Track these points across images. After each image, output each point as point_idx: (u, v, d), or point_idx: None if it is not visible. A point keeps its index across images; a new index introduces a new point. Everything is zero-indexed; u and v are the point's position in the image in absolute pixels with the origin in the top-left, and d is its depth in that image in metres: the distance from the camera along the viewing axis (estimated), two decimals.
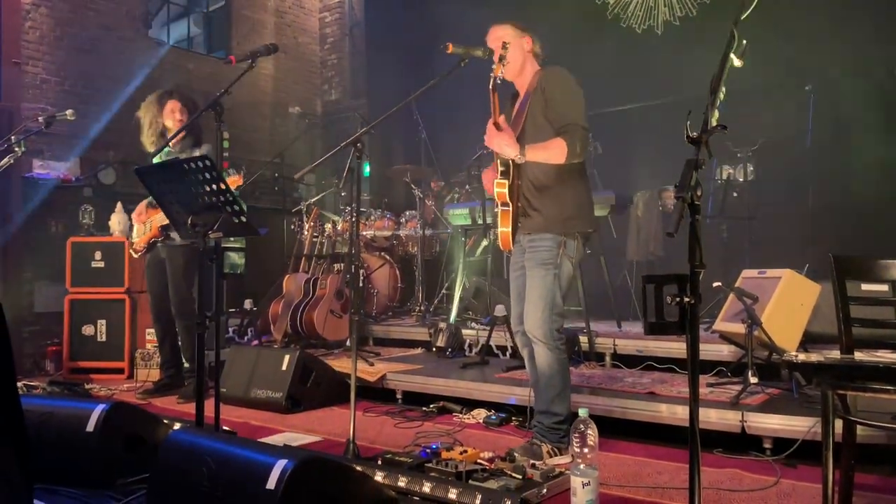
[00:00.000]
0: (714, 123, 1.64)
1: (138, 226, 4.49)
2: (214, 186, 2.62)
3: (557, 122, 2.89)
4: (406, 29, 7.34)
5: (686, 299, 1.58)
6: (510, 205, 2.96)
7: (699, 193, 1.57)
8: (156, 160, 3.78)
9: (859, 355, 2.33)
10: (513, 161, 2.90)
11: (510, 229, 2.99)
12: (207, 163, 2.57)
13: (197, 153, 4.09)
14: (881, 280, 2.90)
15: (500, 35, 2.99)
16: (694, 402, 1.59)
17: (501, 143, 2.81)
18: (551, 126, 2.90)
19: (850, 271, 2.36)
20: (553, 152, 2.82)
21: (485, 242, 5.54)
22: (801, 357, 2.05)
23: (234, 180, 3.94)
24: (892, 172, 4.79)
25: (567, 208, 2.97)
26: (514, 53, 2.96)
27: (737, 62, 1.75)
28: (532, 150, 2.81)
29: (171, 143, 4.20)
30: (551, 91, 2.90)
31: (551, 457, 2.90)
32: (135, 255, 4.58)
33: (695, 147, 1.62)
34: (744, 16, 1.85)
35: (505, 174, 2.92)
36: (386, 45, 7.82)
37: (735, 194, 5.01)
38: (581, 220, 3.01)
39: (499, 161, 2.93)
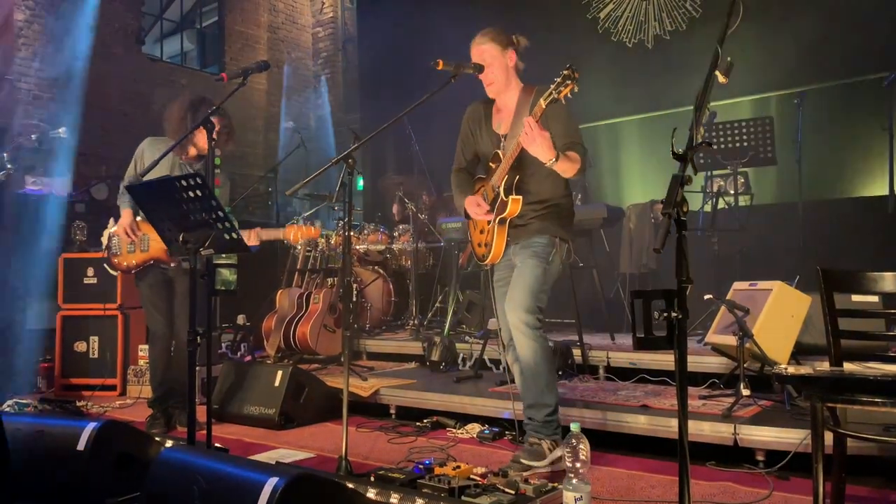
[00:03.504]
0: (699, 140, 1.66)
1: (124, 238, 4.03)
2: (206, 204, 2.62)
3: (562, 140, 2.92)
4: (398, 44, 7.39)
5: (674, 314, 1.59)
6: (507, 220, 2.98)
7: (685, 209, 1.59)
8: (161, 167, 3.62)
9: (851, 367, 2.35)
10: (517, 179, 2.93)
11: (504, 243, 3.02)
12: (199, 180, 2.58)
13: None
14: (870, 292, 2.92)
15: (482, 52, 3.01)
16: (683, 416, 1.59)
17: (543, 145, 2.72)
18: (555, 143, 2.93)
19: (837, 284, 2.37)
20: (575, 165, 2.86)
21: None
22: (791, 370, 2.07)
23: (308, 231, 3.93)
24: (880, 183, 4.83)
25: (563, 215, 3.07)
26: (496, 72, 3.01)
27: (721, 79, 1.78)
28: (563, 158, 2.79)
29: (182, 157, 3.97)
30: (555, 114, 2.91)
31: (552, 451, 2.91)
32: (113, 272, 4.17)
33: (680, 163, 1.64)
34: (728, 32, 1.88)
35: (511, 191, 2.93)
36: (378, 60, 7.88)
37: (726, 207, 5.04)
38: (570, 227, 3.14)
39: (507, 177, 2.93)
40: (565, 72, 2.60)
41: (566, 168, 2.84)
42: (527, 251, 3.00)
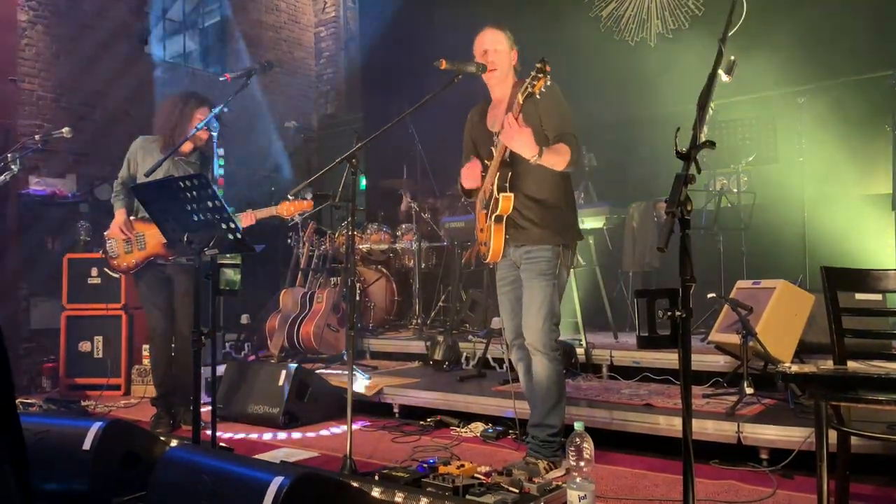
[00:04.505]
0: (703, 139, 1.66)
1: (120, 240, 4.06)
2: (210, 204, 2.63)
3: (554, 132, 2.92)
4: (401, 43, 7.39)
5: (677, 313, 1.59)
6: (503, 217, 2.98)
7: (689, 209, 1.59)
8: (160, 171, 3.68)
9: (854, 365, 2.35)
10: (511, 174, 2.92)
11: (502, 241, 3.01)
12: (203, 181, 2.59)
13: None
14: (874, 290, 2.92)
15: (495, 40, 3.02)
16: (687, 415, 1.60)
17: (522, 141, 2.72)
18: (547, 136, 2.92)
19: (841, 282, 2.37)
20: (563, 157, 2.83)
21: None
22: (795, 368, 2.07)
23: (300, 205, 3.91)
24: (884, 181, 4.82)
25: (563, 219, 3.03)
26: (501, 58, 3.01)
27: (725, 78, 1.78)
28: (548, 152, 2.78)
29: (180, 151, 3.96)
30: (546, 104, 2.90)
31: (548, 472, 2.91)
32: (114, 275, 4.25)
33: (684, 162, 1.64)
34: (731, 32, 1.88)
35: (503, 188, 2.93)
36: (381, 59, 7.87)
37: (729, 205, 5.03)
38: (574, 229, 3.10)
39: (499, 174, 2.93)
40: (538, 65, 2.63)
41: (554, 161, 2.83)
42: (532, 268, 2.97)
